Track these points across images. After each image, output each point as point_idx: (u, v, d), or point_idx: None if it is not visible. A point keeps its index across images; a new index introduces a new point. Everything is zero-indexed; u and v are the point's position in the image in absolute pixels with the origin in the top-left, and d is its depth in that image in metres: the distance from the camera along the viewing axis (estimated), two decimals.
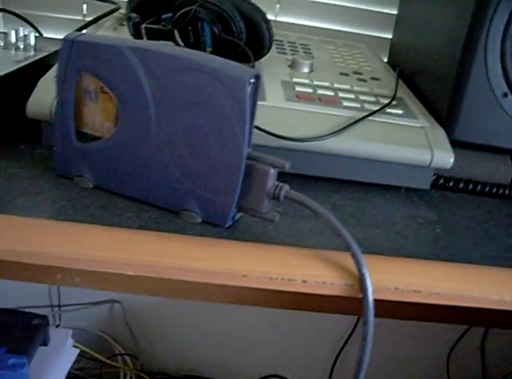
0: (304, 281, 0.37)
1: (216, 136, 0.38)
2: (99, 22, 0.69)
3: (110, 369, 1.07)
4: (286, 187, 0.39)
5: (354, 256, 0.37)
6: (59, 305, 1.06)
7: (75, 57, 0.41)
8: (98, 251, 0.37)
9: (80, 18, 0.91)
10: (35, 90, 0.47)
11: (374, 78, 0.64)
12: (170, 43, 0.58)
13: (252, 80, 0.37)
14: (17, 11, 0.81)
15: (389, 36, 0.80)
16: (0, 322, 0.76)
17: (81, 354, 1.03)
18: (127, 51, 0.39)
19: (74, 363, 1.02)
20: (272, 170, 0.38)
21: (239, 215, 0.42)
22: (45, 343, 0.78)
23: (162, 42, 0.58)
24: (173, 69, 0.38)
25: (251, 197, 0.39)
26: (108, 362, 1.06)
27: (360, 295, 0.37)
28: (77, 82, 0.42)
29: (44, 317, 0.78)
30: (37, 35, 0.77)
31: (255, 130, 0.46)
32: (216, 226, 0.41)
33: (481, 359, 1.17)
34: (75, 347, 0.85)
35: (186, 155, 0.39)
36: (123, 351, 1.10)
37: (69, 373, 0.97)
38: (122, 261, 0.36)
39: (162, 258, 0.37)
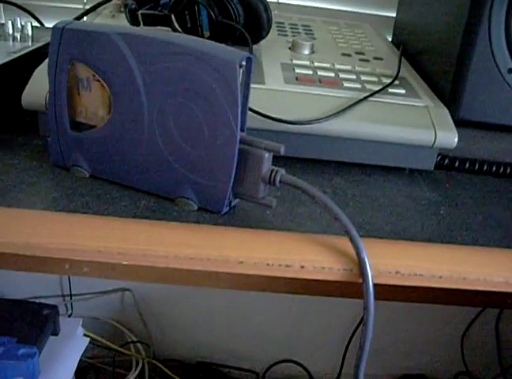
0: (302, 266, 0.37)
1: (209, 122, 0.37)
2: (98, 10, 0.68)
3: (122, 357, 1.08)
4: (282, 171, 0.38)
5: (352, 240, 0.36)
6: (70, 295, 1.07)
7: (65, 45, 0.40)
8: (92, 241, 0.36)
9: (81, 7, 0.91)
10: (31, 80, 0.47)
11: (377, 58, 0.62)
12: (167, 28, 0.57)
13: (243, 63, 0.36)
14: (18, 1, 0.81)
15: (394, 15, 0.79)
16: (10, 313, 0.76)
17: (94, 343, 1.03)
18: (117, 38, 0.39)
19: (87, 352, 1.03)
20: (266, 155, 0.37)
21: (236, 201, 0.41)
22: (55, 333, 0.78)
23: (158, 27, 0.57)
24: (163, 55, 0.37)
25: (247, 183, 0.39)
26: (121, 350, 1.07)
27: (360, 280, 0.37)
28: (69, 71, 0.41)
29: (54, 307, 0.78)
30: (37, 25, 0.77)
31: (254, 114, 0.45)
32: (212, 213, 0.40)
33: (496, 340, 1.16)
34: (86, 335, 0.85)
35: (179, 141, 0.39)
36: (135, 339, 1.11)
37: (82, 361, 0.98)
38: (117, 251, 0.36)
39: (157, 247, 0.36)
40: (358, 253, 0.36)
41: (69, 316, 1.07)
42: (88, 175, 0.43)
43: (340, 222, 0.36)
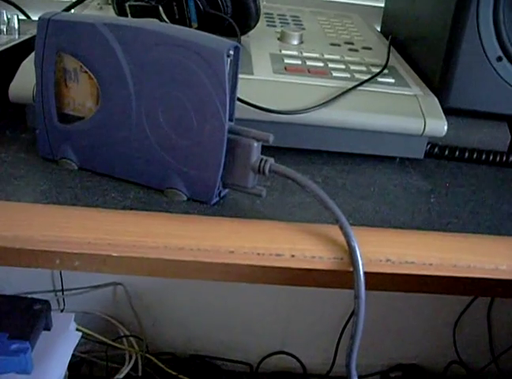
0: (292, 256, 0.37)
1: (197, 112, 0.37)
2: (86, 2, 0.68)
3: (115, 352, 1.07)
4: (271, 160, 0.38)
5: (342, 228, 0.36)
6: (62, 290, 1.06)
7: (52, 37, 0.40)
8: (81, 233, 0.36)
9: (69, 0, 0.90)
10: (18, 73, 0.47)
11: (365, 48, 0.62)
12: (155, 20, 0.57)
13: (231, 52, 0.36)
14: None
15: (382, 5, 0.79)
16: (1, 308, 0.76)
17: (86, 338, 1.03)
18: (103, 28, 0.38)
19: (80, 346, 1.03)
20: (255, 144, 0.37)
21: (226, 191, 0.41)
22: (48, 328, 0.78)
23: (146, 19, 0.57)
24: (150, 45, 0.37)
25: (236, 173, 0.38)
26: (114, 344, 1.06)
27: (351, 269, 0.37)
28: (56, 62, 0.41)
29: (46, 302, 0.78)
30: (23, 18, 0.76)
31: (243, 105, 0.45)
32: (202, 203, 0.40)
33: (488, 329, 1.17)
34: (79, 330, 0.85)
35: (168, 131, 0.38)
36: (128, 333, 1.10)
37: (75, 356, 0.98)
38: (107, 242, 0.36)
39: (147, 238, 0.36)
40: (348, 242, 0.36)
41: (62, 311, 1.07)
42: (76, 167, 0.43)
43: (330, 210, 0.36)
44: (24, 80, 0.45)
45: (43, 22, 0.40)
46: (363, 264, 0.36)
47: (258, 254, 0.36)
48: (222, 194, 0.41)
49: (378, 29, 0.76)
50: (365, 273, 0.36)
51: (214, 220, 0.38)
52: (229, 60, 0.36)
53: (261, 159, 0.38)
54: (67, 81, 0.41)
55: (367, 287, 0.37)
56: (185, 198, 0.40)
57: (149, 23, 0.38)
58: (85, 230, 0.36)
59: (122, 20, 0.40)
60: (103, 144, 0.41)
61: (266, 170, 0.38)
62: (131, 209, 0.39)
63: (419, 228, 0.41)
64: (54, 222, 0.37)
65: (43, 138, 0.43)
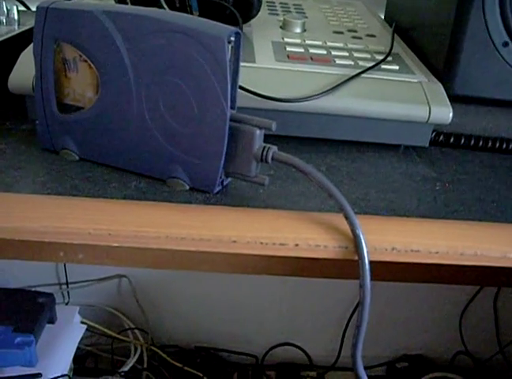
0: (296, 245, 0.36)
1: (198, 99, 0.36)
2: None
3: (121, 344, 1.07)
4: (274, 148, 0.37)
5: (347, 217, 0.36)
6: (67, 283, 1.06)
7: (50, 25, 0.40)
8: (82, 223, 0.36)
9: None
10: (17, 64, 0.46)
11: (369, 35, 0.62)
12: (155, 8, 0.56)
13: (232, 39, 0.35)
14: None
15: None
16: (6, 302, 0.76)
17: (92, 330, 1.03)
18: (102, 16, 0.38)
19: (85, 339, 1.03)
20: (258, 132, 0.37)
21: (228, 180, 0.40)
22: (52, 321, 0.78)
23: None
24: (150, 32, 0.37)
25: (239, 161, 0.38)
26: (119, 336, 1.06)
27: (356, 257, 0.36)
28: (55, 52, 0.40)
29: (50, 295, 0.78)
30: (23, 9, 0.75)
31: (245, 93, 0.45)
32: (204, 192, 0.39)
33: (494, 319, 1.16)
34: (84, 323, 0.85)
35: (169, 120, 0.38)
36: (133, 326, 1.10)
37: (80, 349, 0.98)
38: (107, 233, 0.35)
39: (148, 228, 0.36)
40: (353, 230, 0.36)
41: (66, 304, 1.07)
42: (77, 158, 0.43)
43: (335, 199, 0.36)
44: (24, 71, 0.45)
45: (42, 11, 0.39)
46: (368, 253, 0.36)
47: (261, 243, 0.36)
48: (224, 183, 0.40)
49: (382, 17, 0.75)
50: (370, 262, 0.36)
51: (216, 209, 0.38)
52: (230, 46, 0.35)
53: (264, 147, 0.37)
54: (66, 71, 0.41)
55: (373, 277, 0.37)
56: (187, 187, 0.39)
57: (149, 10, 0.38)
58: (86, 221, 0.36)
59: (121, 7, 0.39)
60: (103, 133, 0.41)
61: (269, 159, 0.37)
62: (132, 199, 0.38)
63: (424, 216, 0.40)
64: (54, 213, 0.37)
65: (43, 129, 0.43)
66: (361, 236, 0.36)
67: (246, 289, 1.13)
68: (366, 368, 0.39)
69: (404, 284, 1.08)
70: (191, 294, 1.12)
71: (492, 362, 1.19)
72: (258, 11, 0.59)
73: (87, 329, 0.85)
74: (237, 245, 0.36)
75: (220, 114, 0.36)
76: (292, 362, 1.19)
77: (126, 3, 0.56)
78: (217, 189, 0.39)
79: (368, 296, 0.36)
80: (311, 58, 0.52)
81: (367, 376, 0.40)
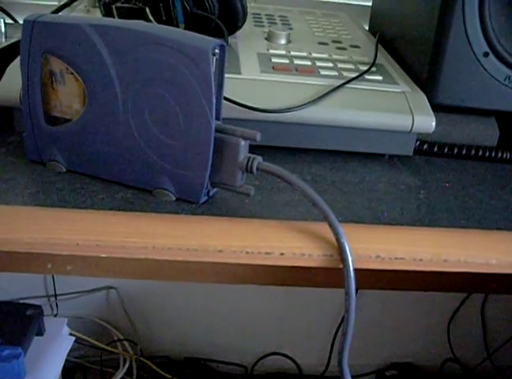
0: (282, 254, 0.36)
1: (184, 111, 0.37)
2: (73, 5, 0.68)
3: (110, 356, 1.07)
4: (259, 159, 0.38)
5: (331, 225, 0.36)
6: (55, 295, 1.06)
7: (37, 39, 0.40)
8: (69, 234, 0.36)
9: (56, 3, 0.89)
10: (4, 76, 0.46)
11: (353, 46, 0.62)
12: (141, 21, 0.57)
13: (216, 51, 0.36)
14: None
15: (370, 4, 0.79)
16: None
17: (80, 342, 1.03)
18: (88, 29, 0.38)
19: (74, 351, 1.03)
20: (243, 142, 0.37)
21: (214, 190, 0.41)
22: (40, 333, 0.77)
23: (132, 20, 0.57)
24: (135, 45, 0.37)
25: (224, 171, 0.38)
26: (108, 348, 1.06)
27: (340, 265, 0.37)
28: (42, 65, 0.41)
29: (38, 307, 0.78)
30: (10, 21, 0.76)
31: (231, 104, 0.45)
32: (190, 203, 0.40)
33: (482, 325, 1.17)
34: (72, 335, 0.84)
35: (155, 131, 0.38)
36: (122, 337, 1.10)
37: (69, 361, 0.97)
38: (95, 243, 0.36)
39: (135, 238, 0.36)
40: (337, 239, 0.36)
41: (55, 316, 1.06)
42: (64, 170, 0.43)
43: (319, 207, 0.36)
44: (11, 83, 0.45)
45: (28, 24, 0.40)
46: (352, 261, 0.36)
47: (247, 253, 0.36)
48: (210, 193, 0.40)
49: (366, 28, 0.76)
50: (355, 270, 0.36)
51: (203, 220, 0.38)
52: (215, 58, 0.36)
53: (249, 158, 0.38)
54: (53, 83, 0.41)
55: (359, 286, 0.37)
56: (173, 198, 0.40)
57: (134, 23, 0.38)
58: (73, 232, 0.36)
59: (108, 20, 0.40)
60: (90, 145, 0.41)
61: (254, 169, 0.38)
62: (120, 210, 0.38)
63: (408, 224, 0.41)
64: (42, 224, 0.37)
65: (31, 141, 0.43)
66: (345, 244, 0.36)
67: (235, 300, 1.13)
68: (355, 376, 0.40)
69: (393, 293, 1.08)
70: (180, 305, 1.12)
71: (480, 368, 1.19)
72: (243, 23, 0.59)
73: (75, 341, 0.85)
74: (223, 255, 0.36)
75: (206, 125, 0.36)
76: (282, 372, 1.20)
77: (113, 16, 0.57)
78: (203, 199, 0.40)
79: (353, 303, 0.37)
80: (296, 69, 0.52)
81: None
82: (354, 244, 0.37)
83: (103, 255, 0.36)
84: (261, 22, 0.69)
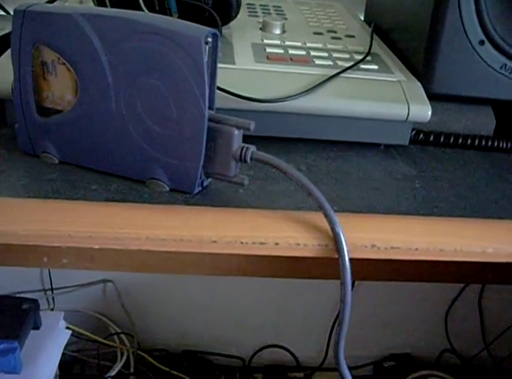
0: (276, 243, 0.36)
1: (176, 100, 0.36)
2: None
3: (107, 349, 1.07)
4: (252, 148, 0.37)
5: (326, 215, 0.36)
6: (52, 289, 1.05)
7: (28, 28, 0.39)
8: (62, 226, 0.36)
9: None
10: None
11: (348, 36, 0.62)
12: (133, 11, 0.56)
13: (209, 39, 0.35)
14: None
15: None
16: None
17: (77, 336, 1.02)
18: (80, 19, 0.38)
19: (71, 345, 1.03)
20: (236, 132, 0.37)
21: (208, 180, 0.40)
22: (37, 327, 0.77)
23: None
24: (127, 34, 0.37)
25: (218, 161, 0.38)
26: (105, 342, 1.06)
27: (336, 255, 0.36)
28: (33, 55, 0.40)
29: (34, 301, 0.77)
30: (2, 13, 0.75)
31: (224, 94, 0.45)
32: (184, 193, 0.39)
33: (479, 316, 1.17)
34: (69, 329, 0.84)
35: (147, 121, 0.38)
36: (119, 331, 1.10)
37: (66, 355, 0.97)
38: (88, 235, 0.35)
39: (129, 229, 0.36)
40: (332, 228, 0.36)
41: (52, 310, 1.06)
42: (57, 161, 0.42)
43: (314, 197, 0.36)
44: (2, 75, 0.45)
45: (19, 13, 0.39)
46: (348, 251, 0.36)
47: (242, 243, 0.36)
48: (204, 184, 0.40)
49: (362, 18, 0.76)
50: (350, 259, 0.36)
51: (196, 210, 0.38)
52: (207, 47, 0.35)
53: (243, 147, 0.37)
54: (45, 74, 0.41)
55: (355, 277, 0.37)
56: (167, 189, 0.39)
57: (126, 12, 0.38)
58: (66, 224, 0.36)
59: (99, 10, 0.39)
60: (83, 136, 0.40)
61: (248, 158, 0.37)
62: (113, 201, 0.38)
63: (404, 213, 0.41)
64: (35, 216, 0.36)
65: (23, 133, 0.43)
66: (341, 234, 0.36)
67: (232, 292, 1.13)
68: (353, 368, 0.40)
69: (390, 284, 1.08)
70: (177, 298, 1.12)
71: (478, 359, 1.20)
72: (238, 13, 0.59)
73: (72, 335, 0.84)
74: (217, 245, 0.36)
75: (198, 114, 0.36)
76: (279, 364, 1.20)
77: (105, 6, 0.56)
78: (197, 189, 0.39)
79: (349, 294, 0.37)
80: (291, 59, 0.52)
81: (353, 376, 0.40)
82: (349, 233, 0.36)
83: (96, 246, 0.35)
84: (256, 12, 0.68)
